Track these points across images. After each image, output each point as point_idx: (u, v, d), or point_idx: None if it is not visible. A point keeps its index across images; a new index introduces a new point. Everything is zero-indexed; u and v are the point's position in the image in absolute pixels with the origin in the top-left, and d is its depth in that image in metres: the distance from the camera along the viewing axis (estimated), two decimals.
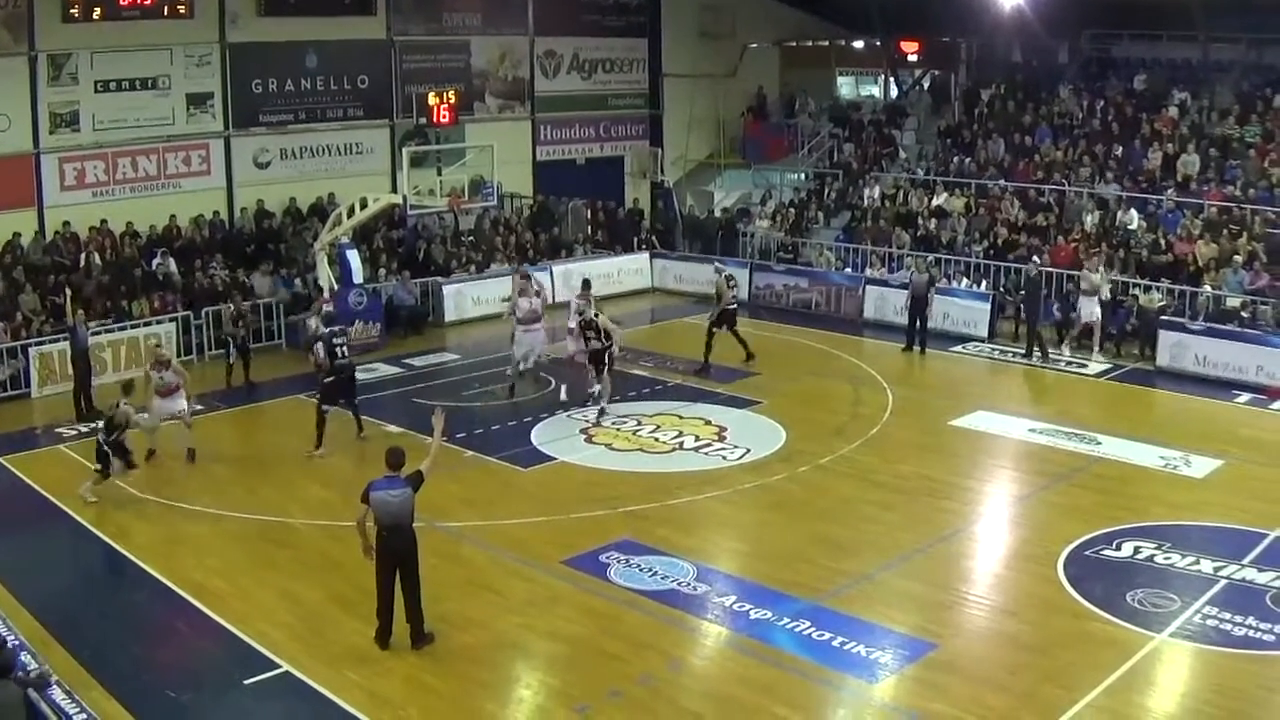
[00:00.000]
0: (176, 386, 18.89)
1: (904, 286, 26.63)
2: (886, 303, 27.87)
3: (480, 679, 12.23)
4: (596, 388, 20.90)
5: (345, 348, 19.67)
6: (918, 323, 25.37)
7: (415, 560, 12.77)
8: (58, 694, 10.98)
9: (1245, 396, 21.86)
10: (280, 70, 29.65)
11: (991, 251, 28.20)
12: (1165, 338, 23.58)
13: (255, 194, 29.31)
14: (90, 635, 13.05)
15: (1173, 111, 30.19)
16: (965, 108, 34.90)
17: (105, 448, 16.89)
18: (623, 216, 34.52)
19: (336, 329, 19.92)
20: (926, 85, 37.99)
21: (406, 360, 25.22)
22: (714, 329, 23.59)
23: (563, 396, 21.69)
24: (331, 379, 19.41)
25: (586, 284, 22.33)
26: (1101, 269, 24.99)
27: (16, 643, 12.16)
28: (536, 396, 22.26)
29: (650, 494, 17.08)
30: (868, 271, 29.41)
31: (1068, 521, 15.83)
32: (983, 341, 25.65)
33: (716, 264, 26.43)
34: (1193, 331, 23.32)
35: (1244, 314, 23.63)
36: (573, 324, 21.74)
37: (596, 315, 20.86)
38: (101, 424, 17.36)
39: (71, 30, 26.03)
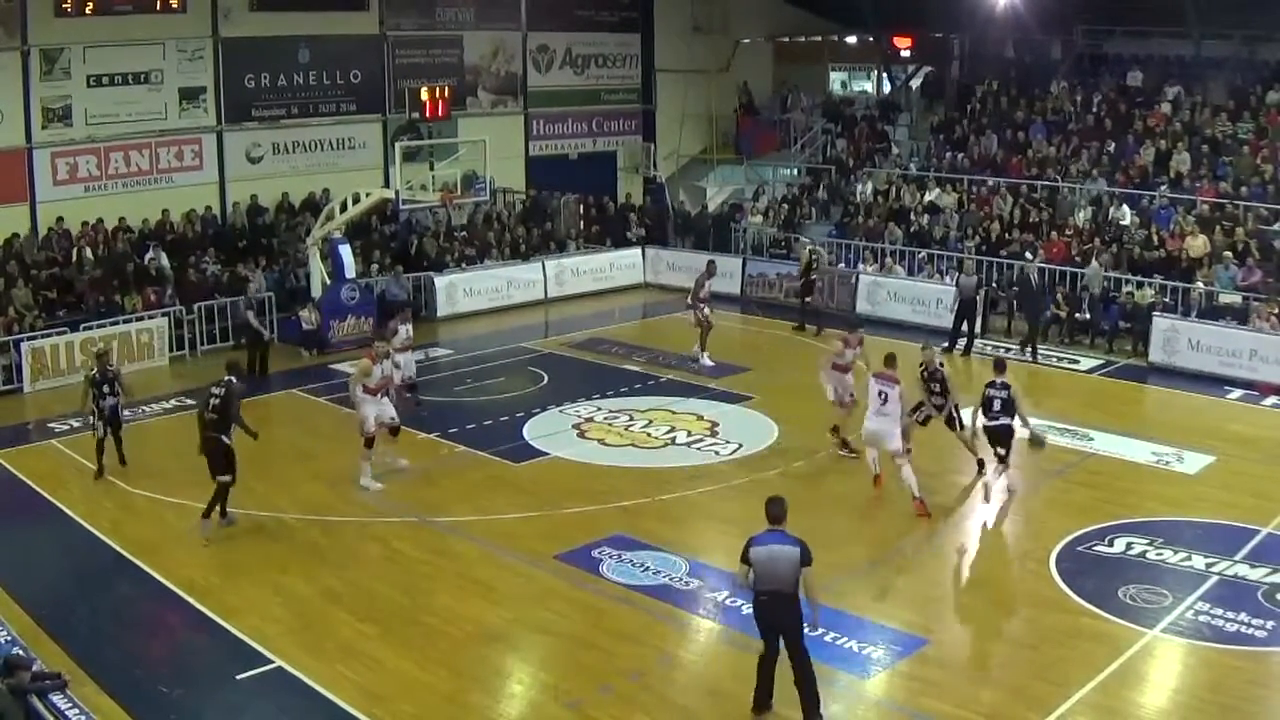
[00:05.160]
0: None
1: None
2: (879, 295, 27.97)
3: (472, 673, 12.23)
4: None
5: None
6: (964, 324, 24.93)
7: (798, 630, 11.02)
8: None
9: (1237, 392, 21.90)
10: (272, 65, 29.65)
11: (984, 247, 28.21)
12: (1159, 324, 23.66)
13: (247, 189, 29.28)
14: (82, 630, 13.04)
15: (1165, 108, 30.22)
16: (958, 103, 34.93)
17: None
18: (614, 211, 34.50)
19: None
20: (917, 83, 37.94)
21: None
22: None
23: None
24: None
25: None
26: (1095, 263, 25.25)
27: (9, 638, 12.15)
28: (528, 391, 22.26)
29: (643, 489, 17.09)
30: (860, 267, 29.41)
31: (1060, 517, 15.86)
32: (976, 337, 25.59)
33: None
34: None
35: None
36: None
37: (941, 364, 17.81)
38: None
39: (64, 25, 26.02)
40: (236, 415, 15.71)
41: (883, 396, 16.25)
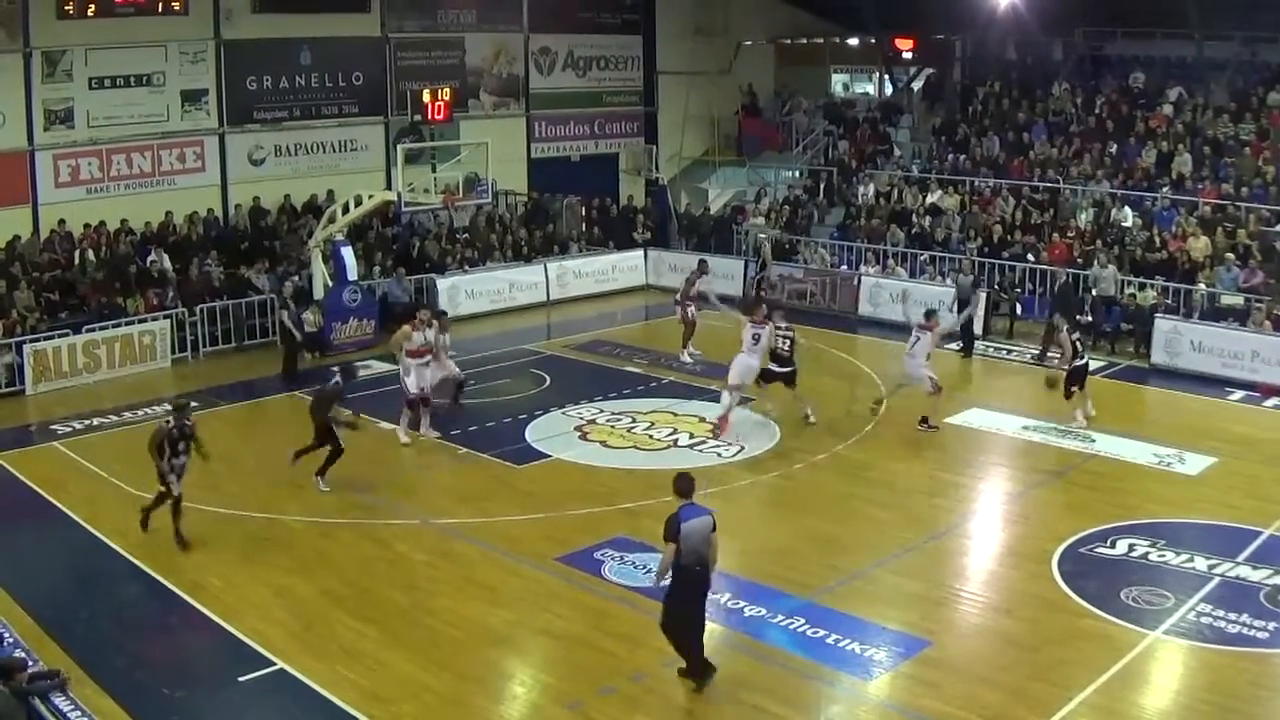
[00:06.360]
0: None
1: None
2: (881, 297, 28.01)
3: (474, 675, 12.24)
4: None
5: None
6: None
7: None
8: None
9: (1239, 394, 21.91)
10: (275, 67, 29.64)
11: (985, 249, 28.22)
12: (1160, 326, 23.69)
13: (250, 191, 29.27)
14: (84, 632, 13.06)
15: (1167, 109, 30.23)
16: (960, 105, 34.93)
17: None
18: (619, 214, 34.50)
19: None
20: (919, 85, 37.96)
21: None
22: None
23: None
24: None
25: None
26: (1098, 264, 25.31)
27: (12, 640, 12.17)
28: (531, 394, 22.26)
29: (645, 491, 17.04)
30: (862, 269, 29.42)
31: (1062, 519, 15.87)
32: (978, 339, 25.58)
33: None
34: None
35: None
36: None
37: (790, 330, 20.02)
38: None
39: (66, 26, 26.01)
40: (322, 410, 17.09)
41: (755, 338, 19.49)
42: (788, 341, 19.66)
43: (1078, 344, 19.98)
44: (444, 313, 23.41)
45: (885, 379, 21.37)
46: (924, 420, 19.59)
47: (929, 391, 19.64)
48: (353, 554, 15.20)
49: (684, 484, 11.69)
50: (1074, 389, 19.95)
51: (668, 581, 11.56)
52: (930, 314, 20.31)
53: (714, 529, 11.54)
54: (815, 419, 19.95)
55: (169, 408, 16.23)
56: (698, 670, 11.76)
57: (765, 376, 19.82)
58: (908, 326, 20.41)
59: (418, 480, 17.82)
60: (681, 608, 11.56)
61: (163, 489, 15.31)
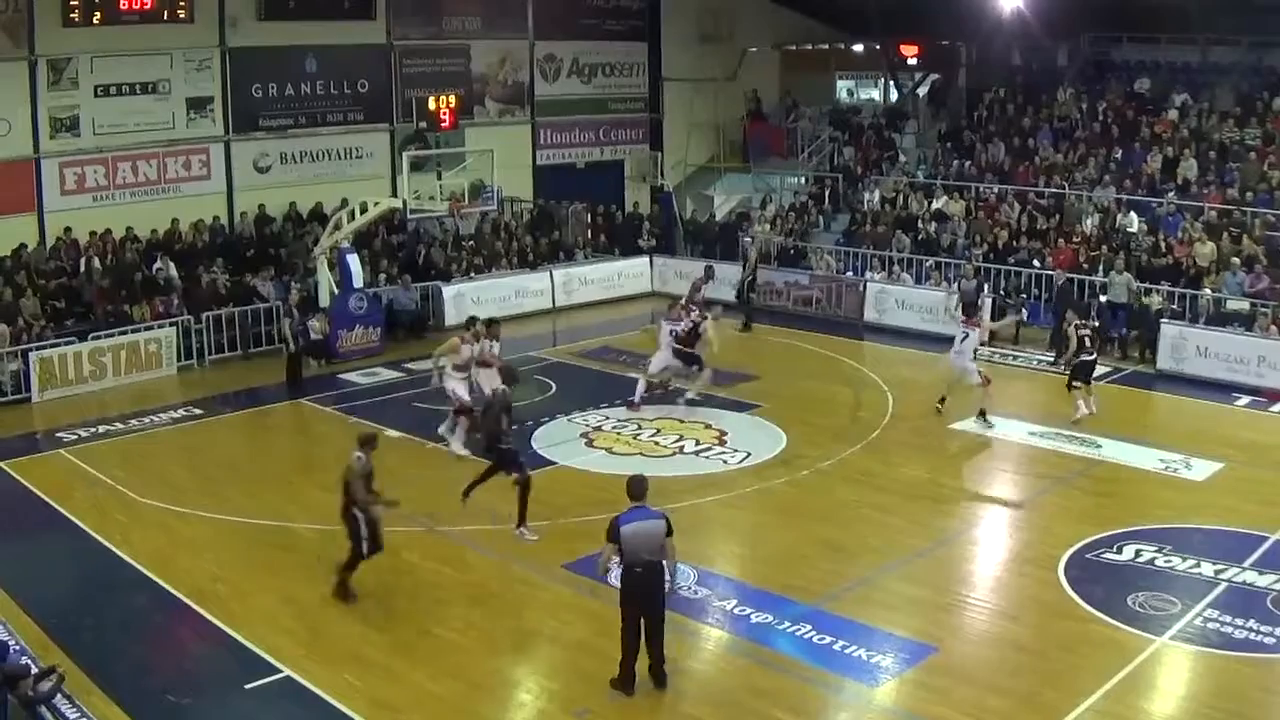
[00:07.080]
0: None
1: None
2: (887, 303, 28.03)
3: (481, 683, 12.24)
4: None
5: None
6: None
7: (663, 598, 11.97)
8: (57, 698, 10.97)
9: (1245, 399, 21.89)
10: (280, 74, 29.65)
11: (991, 255, 28.20)
12: (1167, 331, 23.70)
13: (255, 198, 29.30)
14: (90, 640, 13.05)
15: (1172, 114, 30.21)
16: (965, 111, 34.92)
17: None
18: (622, 220, 34.52)
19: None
20: (924, 90, 37.96)
21: (407, 365, 25.11)
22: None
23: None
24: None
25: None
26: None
27: (18, 648, 12.16)
28: (537, 400, 22.25)
29: (651, 498, 16.96)
30: (867, 275, 29.41)
31: (1068, 525, 15.84)
32: (982, 345, 25.51)
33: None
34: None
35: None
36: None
37: (698, 322, 21.75)
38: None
39: (71, 34, 25.99)
40: (489, 426, 16.29)
41: (673, 334, 21.42)
42: (695, 327, 21.33)
43: (1086, 340, 20.32)
44: (495, 320, 23.14)
45: (940, 381, 21.40)
46: (982, 413, 20.22)
47: (977, 384, 20.24)
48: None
49: (635, 486, 12.00)
50: (1077, 384, 20.35)
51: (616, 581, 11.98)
52: (970, 310, 22.45)
53: (668, 533, 11.74)
54: (693, 396, 21.51)
55: (356, 445, 14.05)
56: (659, 676, 11.93)
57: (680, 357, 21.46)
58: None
59: (424, 487, 17.78)
60: (626, 607, 11.81)
61: (355, 549, 13.78)
